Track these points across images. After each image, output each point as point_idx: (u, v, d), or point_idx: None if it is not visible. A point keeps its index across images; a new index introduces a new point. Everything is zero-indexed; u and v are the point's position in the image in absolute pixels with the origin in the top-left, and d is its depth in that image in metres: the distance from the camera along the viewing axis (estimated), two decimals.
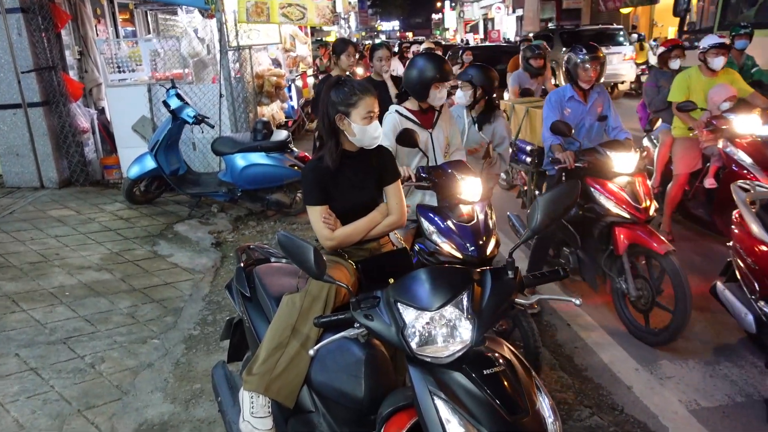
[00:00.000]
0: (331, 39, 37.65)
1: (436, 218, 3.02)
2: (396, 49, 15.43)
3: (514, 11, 33.58)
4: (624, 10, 20.92)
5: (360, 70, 6.40)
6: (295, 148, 6.08)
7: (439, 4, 74.42)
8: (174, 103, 5.89)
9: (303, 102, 10.74)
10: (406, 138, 3.00)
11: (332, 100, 2.29)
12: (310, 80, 11.72)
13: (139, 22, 9.45)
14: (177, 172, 6.14)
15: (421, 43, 15.10)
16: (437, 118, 3.31)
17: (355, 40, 57.91)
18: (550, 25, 23.66)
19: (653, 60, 12.59)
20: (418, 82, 3.16)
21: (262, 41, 8.00)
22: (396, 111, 3.27)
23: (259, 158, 5.79)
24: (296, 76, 10.43)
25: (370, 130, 2.28)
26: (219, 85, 6.66)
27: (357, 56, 4.94)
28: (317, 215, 2.31)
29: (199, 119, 5.85)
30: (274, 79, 7.73)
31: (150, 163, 5.98)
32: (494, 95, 3.84)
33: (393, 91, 4.53)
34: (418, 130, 3.18)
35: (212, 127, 6.07)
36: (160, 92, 6.54)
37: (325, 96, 2.31)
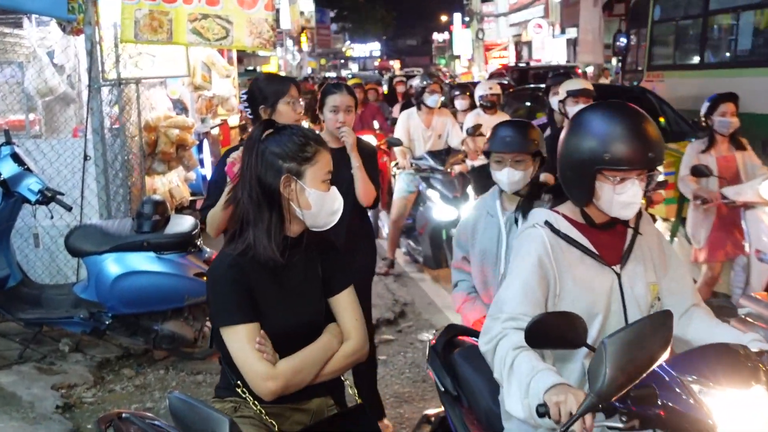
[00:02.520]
0: (271, 69, 38.74)
1: None
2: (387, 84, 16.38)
3: (562, 32, 35.25)
4: None
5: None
6: (206, 246, 6.10)
7: (444, 19, 77.96)
8: (7, 168, 5.90)
9: None
10: (554, 332, 2.26)
11: (273, 152, 2.49)
12: (237, 135, 11.94)
13: None
14: (4, 284, 6.06)
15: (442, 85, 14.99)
16: (632, 242, 2.70)
17: (309, 71, 60.08)
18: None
19: None
20: (574, 166, 2.60)
21: (159, 72, 8.17)
22: (546, 223, 2.67)
23: (144, 262, 5.79)
24: (212, 127, 10.61)
25: (330, 199, 2.51)
26: (84, 141, 6.73)
27: (303, 103, 4.74)
28: (245, 339, 2.41)
29: (49, 196, 5.84)
30: (176, 133, 7.85)
31: None
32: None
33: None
34: (593, 270, 2.62)
35: (69, 209, 6.04)
36: None
37: (255, 147, 2.48)
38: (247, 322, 2.40)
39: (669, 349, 2.03)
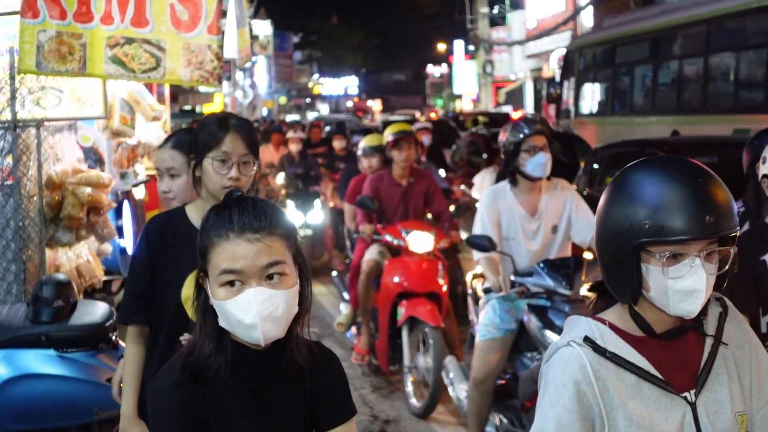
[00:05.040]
0: (214, 108, 38.72)
1: None
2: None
3: None
4: None
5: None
6: (123, 342, 6.04)
7: (442, 48, 78.86)
8: None
9: None
10: None
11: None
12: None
13: None
14: None
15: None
16: (711, 355, 2.48)
17: (265, 113, 60.07)
18: None
19: None
20: (610, 245, 2.46)
21: (67, 113, 8.20)
22: (586, 339, 2.43)
23: (41, 363, 5.76)
24: (135, 185, 10.61)
25: (235, 310, 2.41)
26: None
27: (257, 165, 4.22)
28: None
29: None
30: (87, 193, 7.84)
31: None
32: None
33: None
34: (656, 401, 2.42)
35: None
36: None
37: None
38: None
39: None
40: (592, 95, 19.36)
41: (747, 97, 14.17)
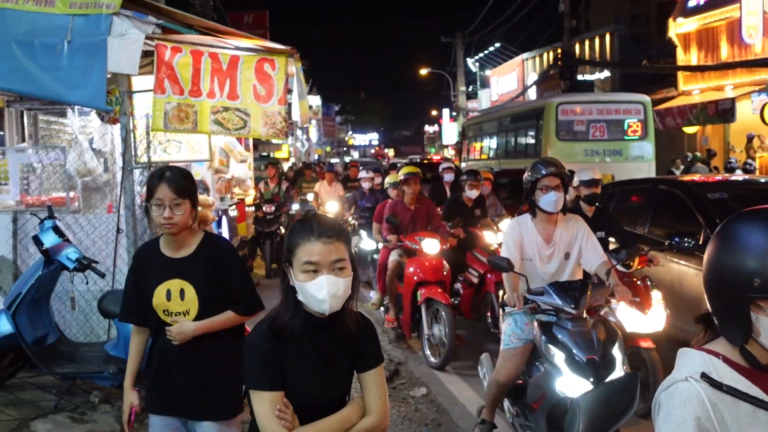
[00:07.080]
0: (282, 155, 39.13)
1: None
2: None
3: None
4: (688, 130, 24.12)
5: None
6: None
7: (434, 113, 78.84)
8: (49, 239, 5.94)
9: (238, 243, 10.95)
10: None
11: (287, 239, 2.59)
12: (251, 212, 12.03)
13: (11, 124, 9.75)
14: (44, 341, 6.05)
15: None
16: None
17: (316, 157, 60.31)
18: None
19: None
20: (720, 292, 1.91)
21: (184, 157, 8.33)
22: (703, 375, 1.88)
23: None
24: (229, 206, 10.73)
25: (312, 289, 2.49)
26: (117, 217, 6.81)
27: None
28: (267, 406, 2.44)
29: (85, 264, 5.87)
30: (198, 210, 7.97)
31: (4, 326, 5.88)
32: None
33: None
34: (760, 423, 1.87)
35: (103, 276, 6.08)
36: (31, 223, 6.64)
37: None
38: (271, 390, 2.46)
39: (634, 407, 1.98)
40: (473, 149, 24.80)
41: (529, 150, 18.50)
